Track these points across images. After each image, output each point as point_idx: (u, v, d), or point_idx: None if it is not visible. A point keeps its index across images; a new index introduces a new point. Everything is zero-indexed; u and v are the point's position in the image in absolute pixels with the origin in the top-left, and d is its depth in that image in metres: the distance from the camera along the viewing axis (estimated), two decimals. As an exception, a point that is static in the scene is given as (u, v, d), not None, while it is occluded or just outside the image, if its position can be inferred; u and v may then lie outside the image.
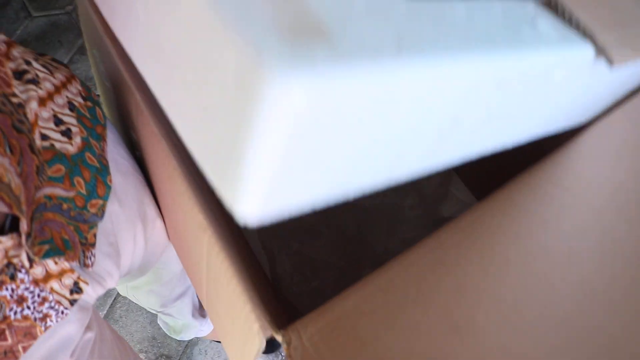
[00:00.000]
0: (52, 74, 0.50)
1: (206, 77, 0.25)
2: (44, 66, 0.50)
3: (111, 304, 1.28)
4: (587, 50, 0.38)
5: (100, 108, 0.55)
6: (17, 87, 0.45)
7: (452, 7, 0.32)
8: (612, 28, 0.41)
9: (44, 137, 0.46)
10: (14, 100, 0.43)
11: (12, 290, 0.42)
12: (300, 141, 0.23)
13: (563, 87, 0.40)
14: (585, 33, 0.39)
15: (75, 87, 0.53)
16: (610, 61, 0.39)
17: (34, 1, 1.89)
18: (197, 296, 0.95)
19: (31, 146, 0.42)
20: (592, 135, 0.48)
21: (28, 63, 0.48)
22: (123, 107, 0.62)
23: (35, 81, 0.47)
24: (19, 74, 0.46)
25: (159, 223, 0.62)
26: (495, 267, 0.39)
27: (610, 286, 0.39)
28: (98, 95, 0.60)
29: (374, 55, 0.24)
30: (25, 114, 0.44)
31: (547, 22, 0.38)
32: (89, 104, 0.54)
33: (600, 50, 0.39)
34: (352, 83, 0.23)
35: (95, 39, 0.64)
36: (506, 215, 0.42)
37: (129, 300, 0.91)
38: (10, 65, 0.46)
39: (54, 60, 0.53)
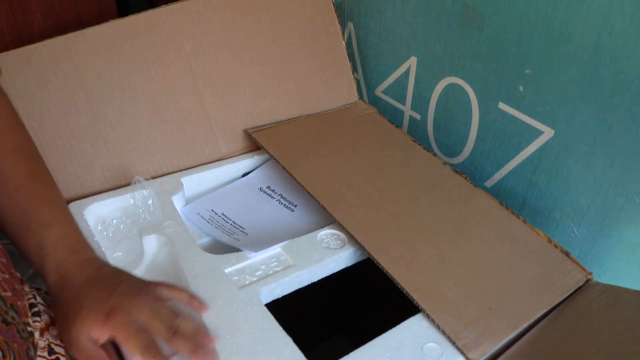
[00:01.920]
0: (49, 307, 0.57)
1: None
2: (44, 299, 0.58)
3: None
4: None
5: None
6: (30, 317, 0.52)
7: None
8: (475, 323, 0.58)
9: None
10: (29, 328, 0.51)
11: None
12: None
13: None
14: (449, 338, 0.56)
15: None
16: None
17: (-9, 230, 1.95)
18: None
19: None
20: None
21: (35, 297, 0.56)
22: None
23: (39, 314, 0.54)
24: (30, 306, 0.54)
25: None
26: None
27: None
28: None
29: None
30: (32, 341, 0.51)
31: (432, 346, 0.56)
32: None
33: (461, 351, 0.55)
34: None
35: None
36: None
37: None
38: (26, 298, 0.53)
39: (46, 293, 0.60)
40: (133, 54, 0.76)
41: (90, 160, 0.75)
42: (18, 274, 0.55)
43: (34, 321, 0.53)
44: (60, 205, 0.58)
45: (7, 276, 0.50)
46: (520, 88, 0.73)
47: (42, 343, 0.53)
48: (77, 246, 0.55)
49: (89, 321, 0.49)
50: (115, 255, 0.68)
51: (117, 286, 0.51)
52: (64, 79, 0.72)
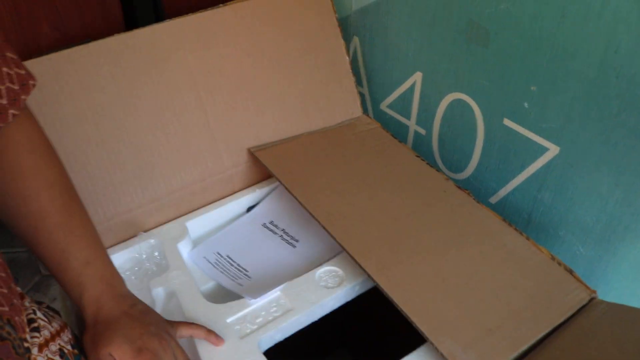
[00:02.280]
0: (50, 322, 0.58)
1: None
2: (44, 315, 0.58)
3: None
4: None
5: (85, 356, 0.61)
6: (28, 333, 0.52)
7: None
8: (474, 345, 0.57)
9: None
10: (25, 344, 0.51)
11: None
12: None
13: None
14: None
15: (66, 335, 0.60)
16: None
17: (-3, 237, 1.96)
18: None
19: None
20: None
21: (34, 312, 0.56)
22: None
23: (38, 329, 0.55)
24: (29, 322, 0.54)
25: None
26: None
27: None
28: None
29: None
30: (29, 357, 0.51)
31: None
32: (76, 351, 0.60)
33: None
34: None
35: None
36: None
37: None
38: (25, 314, 0.54)
39: (49, 308, 0.61)
40: (138, 68, 0.77)
41: (94, 172, 0.75)
42: (18, 289, 0.55)
43: (32, 337, 0.53)
44: (96, 241, 0.60)
45: (5, 291, 0.50)
46: (526, 104, 0.73)
47: (40, 359, 0.53)
48: (113, 281, 0.59)
49: (121, 350, 0.54)
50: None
51: (149, 327, 0.57)
52: (68, 92, 0.73)
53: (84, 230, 0.59)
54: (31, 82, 0.57)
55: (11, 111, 0.54)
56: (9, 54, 0.54)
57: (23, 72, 0.56)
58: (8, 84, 0.53)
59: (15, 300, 0.51)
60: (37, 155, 0.58)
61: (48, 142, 0.61)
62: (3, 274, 0.51)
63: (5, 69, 0.53)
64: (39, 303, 0.60)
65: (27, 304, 0.56)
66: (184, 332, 0.61)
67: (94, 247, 0.59)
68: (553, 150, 0.72)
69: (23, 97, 0.55)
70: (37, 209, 0.57)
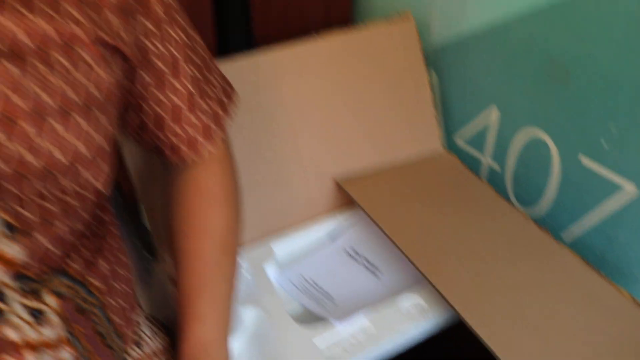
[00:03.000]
0: (152, 339, 0.61)
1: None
2: (151, 331, 0.61)
3: None
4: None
5: None
6: (130, 346, 0.56)
7: None
8: None
9: None
10: (128, 358, 0.54)
11: None
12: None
13: None
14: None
15: (165, 356, 0.63)
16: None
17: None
18: None
19: None
20: None
21: (139, 325, 0.59)
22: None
23: (139, 344, 0.58)
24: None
25: None
26: None
27: None
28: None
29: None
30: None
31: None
32: None
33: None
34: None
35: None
36: None
37: None
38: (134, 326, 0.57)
39: (160, 326, 0.64)
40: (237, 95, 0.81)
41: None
42: (137, 303, 0.59)
43: (131, 349, 0.57)
44: (221, 299, 0.59)
45: (126, 306, 0.54)
46: (604, 143, 0.73)
47: None
48: (209, 347, 0.58)
49: None
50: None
51: None
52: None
53: (216, 287, 0.59)
54: (223, 113, 0.58)
55: (204, 146, 0.56)
56: (209, 88, 0.56)
57: (217, 110, 0.57)
58: (206, 120, 0.55)
59: (132, 316, 0.55)
60: (211, 201, 0.59)
61: (230, 189, 0.62)
62: (130, 291, 0.55)
63: (205, 103, 0.55)
64: (152, 320, 0.63)
65: (135, 317, 0.59)
66: None
67: (214, 306, 0.58)
68: (631, 190, 0.72)
69: (216, 129, 0.57)
70: (185, 248, 0.58)
